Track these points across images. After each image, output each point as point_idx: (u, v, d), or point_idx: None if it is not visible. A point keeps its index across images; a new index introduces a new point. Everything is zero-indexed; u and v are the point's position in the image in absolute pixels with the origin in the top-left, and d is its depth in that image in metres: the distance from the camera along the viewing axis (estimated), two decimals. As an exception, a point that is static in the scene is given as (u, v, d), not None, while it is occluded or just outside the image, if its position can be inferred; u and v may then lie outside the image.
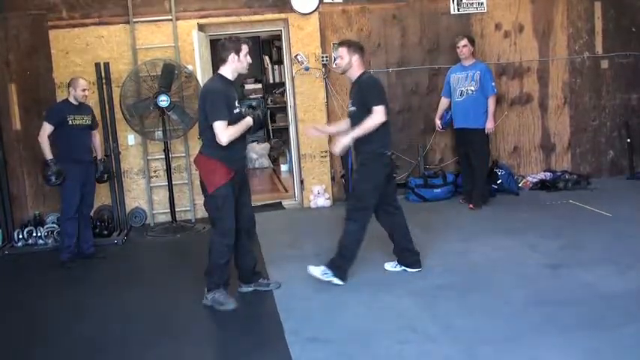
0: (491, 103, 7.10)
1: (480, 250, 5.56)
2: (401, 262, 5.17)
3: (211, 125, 4.42)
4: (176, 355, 4.00)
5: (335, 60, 5.34)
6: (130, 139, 7.50)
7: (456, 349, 3.70)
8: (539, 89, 8.14)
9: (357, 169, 5.10)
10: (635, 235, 5.67)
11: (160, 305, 4.86)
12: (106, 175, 6.53)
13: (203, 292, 4.68)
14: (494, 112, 7.21)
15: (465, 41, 7.17)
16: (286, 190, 9.04)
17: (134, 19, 7.35)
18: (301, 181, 7.95)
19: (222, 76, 4.61)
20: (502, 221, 6.56)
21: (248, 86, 12.11)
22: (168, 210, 7.36)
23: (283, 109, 10.34)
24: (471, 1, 7.88)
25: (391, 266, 5.21)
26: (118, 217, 7.30)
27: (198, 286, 4.72)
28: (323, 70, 7.66)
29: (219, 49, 4.64)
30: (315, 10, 7.59)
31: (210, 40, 7.58)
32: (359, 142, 4.92)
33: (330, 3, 7.65)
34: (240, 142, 4.63)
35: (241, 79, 11.44)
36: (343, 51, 4.94)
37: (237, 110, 4.56)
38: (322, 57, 7.62)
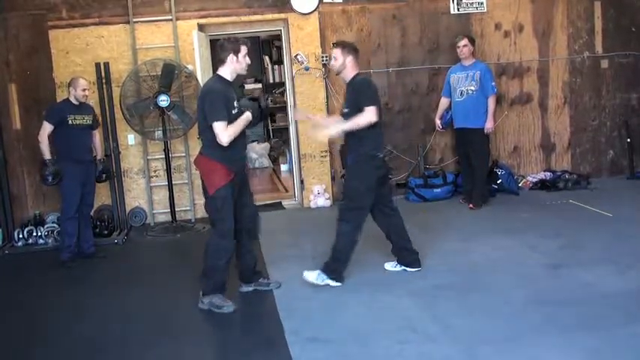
0: (491, 102, 7.10)
1: (480, 250, 5.56)
2: (400, 262, 5.18)
3: (211, 126, 4.42)
4: (176, 355, 4.00)
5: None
6: (130, 138, 7.50)
7: (455, 349, 3.70)
8: (539, 89, 8.14)
9: (348, 169, 5.08)
10: (635, 235, 5.67)
11: (160, 305, 4.86)
12: (104, 175, 6.52)
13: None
14: (494, 112, 7.21)
15: (465, 41, 7.17)
16: (286, 190, 9.04)
17: (134, 19, 7.35)
18: (301, 181, 7.95)
19: (220, 77, 4.61)
20: (502, 221, 6.56)
21: (248, 86, 12.10)
22: (169, 210, 7.36)
23: (283, 108, 10.34)
24: (470, 1, 7.88)
25: (391, 266, 5.21)
26: (118, 216, 7.30)
27: (198, 286, 4.70)
28: (323, 70, 7.66)
29: (217, 50, 4.64)
30: (314, 10, 7.59)
31: (211, 40, 7.58)
32: (351, 143, 4.95)
33: (330, 3, 7.65)
34: (240, 142, 4.63)
35: (241, 79, 11.44)
36: (337, 52, 4.94)
37: (235, 111, 4.55)
38: (322, 57, 7.61)
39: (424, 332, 3.97)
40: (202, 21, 7.50)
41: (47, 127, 5.99)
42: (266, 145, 11.51)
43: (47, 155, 6.01)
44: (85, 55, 7.29)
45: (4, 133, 7.14)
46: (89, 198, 6.29)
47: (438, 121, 7.53)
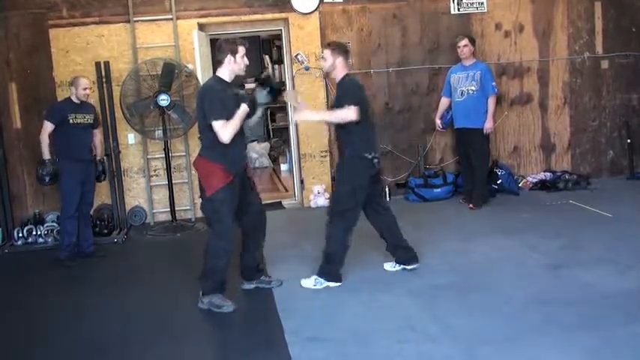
0: (491, 103, 7.10)
1: (480, 250, 5.56)
2: (398, 261, 5.18)
3: (210, 125, 4.42)
4: (176, 355, 4.00)
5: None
6: (130, 138, 7.50)
7: (455, 349, 3.70)
8: (540, 89, 8.14)
9: (337, 171, 5.06)
10: (635, 235, 5.68)
11: (160, 305, 4.85)
12: (103, 176, 6.52)
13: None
14: (494, 112, 7.21)
15: (465, 41, 7.17)
16: (286, 190, 9.04)
17: (134, 19, 7.35)
18: (301, 181, 7.95)
19: (219, 78, 4.62)
20: (502, 221, 6.56)
21: (248, 86, 12.06)
22: (168, 209, 7.36)
23: (283, 108, 10.33)
24: (471, 1, 7.87)
25: (390, 266, 5.21)
26: (118, 215, 7.30)
27: (198, 285, 4.69)
28: (323, 69, 7.65)
29: (216, 51, 4.64)
30: (315, 10, 7.59)
31: (211, 40, 7.58)
32: (340, 144, 4.96)
33: (331, 2, 7.65)
34: (239, 142, 4.62)
35: (241, 78, 11.41)
36: (327, 53, 4.95)
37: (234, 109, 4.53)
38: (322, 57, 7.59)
39: (424, 332, 3.97)
40: (203, 20, 7.50)
41: (48, 127, 5.99)
42: (266, 145, 11.51)
43: (47, 155, 6.01)
44: (85, 54, 7.29)
45: (4, 132, 7.14)
46: (89, 197, 6.29)
47: (438, 121, 7.53)
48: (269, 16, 7.64)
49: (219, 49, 4.58)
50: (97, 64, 7.10)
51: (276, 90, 4.82)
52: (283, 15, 7.63)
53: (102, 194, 7.27)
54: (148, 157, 7.57)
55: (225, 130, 4.39)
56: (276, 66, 11.91)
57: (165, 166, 7.33)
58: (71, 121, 6.01)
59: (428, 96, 7.95)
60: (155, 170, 7.62)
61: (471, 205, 7.14)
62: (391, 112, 7.92)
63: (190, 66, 7.22)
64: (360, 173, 4.86)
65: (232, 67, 4.56)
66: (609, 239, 5.60)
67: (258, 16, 7.61)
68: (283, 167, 10.62)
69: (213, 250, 4.54)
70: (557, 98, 8.18)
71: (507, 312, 4.19)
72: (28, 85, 7.26)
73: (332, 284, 4.87)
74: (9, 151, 7.18)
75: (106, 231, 7.03)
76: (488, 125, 7.09)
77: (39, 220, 7.07)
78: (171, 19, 7.41)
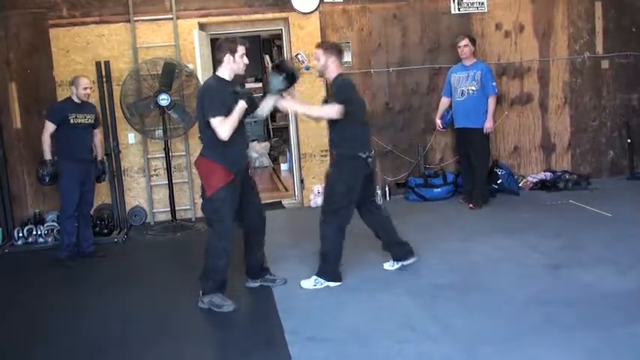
0: (491, 102, 7.10)
1: (480, 250, 5.56)
2: (395, 258, 5.18)
3: (209, 123, 4.42)
4: (176, 355, 4.00)
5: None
6: (130, 137, 7.50)
7: (455, 349, 3.70)
8: (540, 89, 8.14)
9: (330, 170, 5.04)
10: (635, 235, 5.67)
11: (160, 305, 4.85)
12: (103, 176, 6.53)
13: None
14: (494, 112, 7.21)
15: (465, 41, 7.17)
16: (286, 190, 9.04)
17: (135, 18, 7.35)
18: (301, 181, 7.95)
19: (218, 77, 4.62)
20: (502, 221, 6.56)
21: (248, 85, 12.10)
22: (169, 209, 7.36)
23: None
24: (471, 1, 7.87)
25: (389, 265, 5.21)
26: (118, 215, 7.30)
27: (199, 285, 4.70)
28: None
29: (215, 50, 4.65)
30: (315, 10, 7.59)
31: (211, 39, 7.58)
32: (333, 144, 4.96)
33: (331, 2, 7.65)
34: (240, 141, 4.63)
35: (241, 78, 11.43)
36: (319, 53, 4.94)
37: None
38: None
39: (424, 332, 3.97)
40: (203, 20, 7.50)
41: (49, 127, 6.00)
42: (266, 145, 11.52)
43: (48, 155, 6.02)
44: (85, 53, 7.29)
45: (5, 132, 7.14)
46: (89, 197, 6.29)
47: (438, 121, 7.53)
48: (269, 15, 7.64)
49: (218, 48, 4.58)
50: (98, 64, 7.10)
51: (293, 75, 4.77)
52: (283, 15, 7.63)
53: (102, 194, 7.28)
54: (148, 156, 7.57)
55: (223, 127, 4.38)
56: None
57: (165, 166, 7.33)
58: (72, 120, 6.01)
59: (428, 96, 7.95)
60: (155, 170, 7.62)
61: (471, 205, 7.14)
62: (391, 111, 7.92)
63: (191, 66, 7.22)
64: (354, 172, 4.86)
65: (232, 66, 4.56)
66: (609, 239, 5.60)
67: (258, 16, 7.61)
68: (283, 167, 10.63)
69: (213, 250, 4.54)
70: (558, 98, 8.18)
71: (507, 312, 4.18)
72: (29, 85, 7.26)
73: (332, 284, 4.88)
74: (9, 151, 7.17)
75: (106, 231, 7.03)
76: (488, 125, 7.09)
77: (39, 220, 7.07)
78: (172, 18, 7.41)
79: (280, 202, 8.20)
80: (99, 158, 6.43)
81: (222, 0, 7.51)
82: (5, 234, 7.03)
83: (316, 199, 7.76)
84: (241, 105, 4.47)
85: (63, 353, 4.14)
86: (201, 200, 4.71)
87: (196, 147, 7.40)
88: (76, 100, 6.11)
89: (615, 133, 8.32)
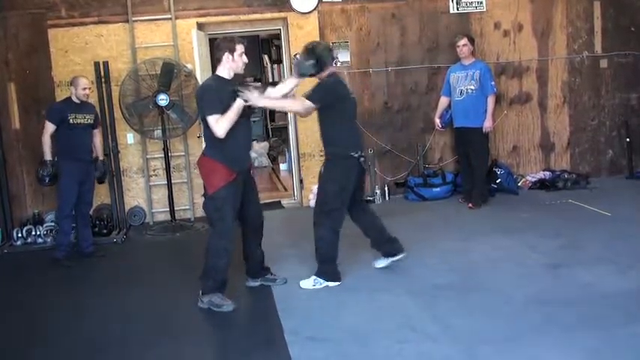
0: (490, 102, 7.10)
1: (480, 250, 5.56)
2: (385, 255, 5.17)
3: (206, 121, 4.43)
4: (176, 355, 4.00)
5: None
6: (129, 137, 7.49)
7: (455, 349, 3.70)
8: (539, 88, 8.14)
9: (322, 171, 5.03)
10: (634, 234, 5.67)
11: (160, 305, 4.85)
12: (105, 176, 6.53)
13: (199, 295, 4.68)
14: (493, 112, 7.21)
15: (464, 40, 7.17)
16: (285, 190, 9.03)
17: (133, 18, 7.34)
18: (300, 181, 7.95)
19: (217, 76, 4.63)
20: (501, 221, 6.56)
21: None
22: (168, 209, 7.36)
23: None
24: (470, 0, 7.87)
25: (380, 263, 5.20)
26: (117, 215, 7.30)
27: (198, 285, 4.70)
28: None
29: (214, 50, 4.65)
30: (314, 9, 7.59)
31: (210, 39, 7.58)
32: (324, 144, 4.97)
33: (330, 2, 7.64)
34: (243, 141, 4.63)
35: (240, 77, 11.41)
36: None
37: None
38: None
39: (424, 332, 3.97)
40: (201, 20, 7.50)
41: (50, 128, 6.00)
42: (265, 144, 11.50)
43: (48, 156, 6.02)
44: (84, 54, 7.28)
45: (3, 133, 7.12)
46: (88, 197, 6.29)
47: (437, 120, 7.53)
48: (268, 15, 7.64)
49: (217, 47, 4.59)
50: (96, 64, 7.10)
51: (323, 63, 4.79)
52: (282, 14, 7.62)
53: (101, 194, 7.27)
54: (147, 156, 7.56)
55: (219, 125, 4.38)
56: (275, 65, 11.92)
57: (164, 166, 7.33)
58: (71, 121, 6.01)
59: (427, 95, 7.95)
60: (154, 170, 7.62)
61: (470, 205, 7.14)
62: (390, 111, 7.92)
63: (189, 66, 7.22)
64: (347, 172, 4.85)
65: (231, 64, 4.56)
66: (609, 239, 5.60)
67: (257, 16, 7.60)
68: (282, 167, 10.62)
69: (214, 250, 4.54)
70: (557, 97, 8.18)
71: (507, 312, 4.18)
72: (27, 86, 7.25)
73: (331, 284, 4.88)
74: (8, 152, 7.16)
75: (105, 231, 7.02)
76: (488, 124, 7.09)
77: (38, 220, 7.06)
78: (170, 18, 7.40)
79: (279, 202, 8.19)
80: (100, 158, 6.42)
81: (221, 0, 7.51)
82: (4, 234, 7.02)
83: (315, 199, 7.76)
84: (238, 103, 4.45)
85: (63, 353, 4.14)
86: (202, 199, 4.70)
87: (195, 147, 7.43)
88: (75, 100, 6.11)
89: (614, 132, 8.33)
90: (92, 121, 6.22)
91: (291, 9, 7.55)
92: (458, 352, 3.65)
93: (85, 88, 6.11)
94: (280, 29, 7.85)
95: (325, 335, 4.03)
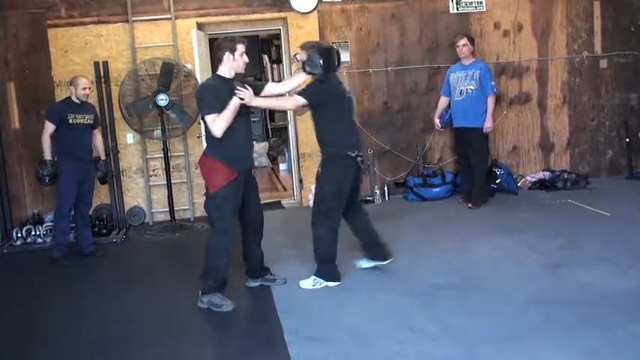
0: (490, 102, 7.10)
1: (480, 250, 5.56)
2: (373, 258, 5.17)
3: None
4: (176, 355, 4.00)
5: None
6: (128, 137, 7.49)
7: (455, 349, 3.70)
8: (538, 88, 8.14)
9: (319, 171, 5.01)
10: (634, 234, 5.67)
11: (160, 305, 4.85)
12: (107, 176, 6.54)
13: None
14: (493, 112, 7.21)
15: (464, 40, 7.17)
16: (285, 190, 9.04)
17: (133, 18, 7.34)
18: (300, 180, 7.95)
19: (217, 75, 4.64)
20: (501, 221, 6.56)
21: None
22: (167, 209, 7.36)
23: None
24: (470, 0, 7.87)
25: (363, 263, 5.20)
26: (117, 215, 7.30)
27: (198, 285, 4.70)
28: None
29: (215, 50, 4.65)
30: (314, 9, 7.59)
31: (210, 39, 7.57)
32: (319, 144, 4.96)
33: (330, 2, 7.64)
34: (244, 139, 4.63)
35: (241, 77, 11.42)
36: (302, 54, 4.91)
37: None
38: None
39: (423, 332, 3.96)
40: (201, 20, 7.50)
41: (49, 127, 5.99)
42: (265, 145, 11.51)
43: (48, 156, 6.02)
44: (83, 54, 7.28)
45: (3, 132, 7.12)
46: (88, 197, 6.29)
47: (437, 120, 7.53)
48: (268, 15, 7.64)
49: (218, 47, 4.58)
50: (96, 64, 7.10)
51: (333, 66, 4.80)
52: (282, 14, 7.62)
53: (101, 194, 7.27)
54: (147, 156, 7.56)
55: (215, 124, 4.38)
56: (275, 65, 11.92)
57: (164, 166, 7.32)
58: (71, 121, 6.01)
59: (427, 95, 7.95)
60: (154, 170, 7.62)
61: (470, 205, 7.14)
62: (390, 111, 7.92)
63: (189, 66, 7.22)
64: (344, 172, 4.85)
65: (231, 64, 4.56)
66: (608, 239, 5.60)
67: (256, 16, 7.60)
68: (282, 167, 10.63)
69: (214, 250, 4.54)
70: (556, 98, 8.18)
71: (507, 312, 4.18)
72: (27, 85, 7.24)
73: (331, 284, 4.87)
74: (7, 151, 7.16)
75: (104, 231, 7.03)
76: (488, 124, 7.09)
77: (38, 220, 7.06)
78: (170, 18, 7.40)
79: (279, 202, 8.20)
80: (102, 158, 6.43)
81: (221, 0, 7.50)
82: (4, 234, 7.02)
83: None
84: (235, 102, 4.44)
85: (63, 353, 4.14)
86: (204, 198, 4.69)
87: (195, 147, 7.43)
88: (75, 100, 6.11)
89: (614, 132, 8.33)
90: (92, 121, 6.22)
91: (290, 9, 7.55)
92: (458, 352, 3.65)
93: (84, 88, 6.10)
94: (280, 29, 7.85)
95: (325, 335, 4.03)
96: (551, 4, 8.03)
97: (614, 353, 3.53)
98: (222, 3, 7.51)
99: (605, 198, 7.13)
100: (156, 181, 7.61)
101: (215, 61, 4.72)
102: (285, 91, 4.97)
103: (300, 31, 7.59)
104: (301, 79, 4.91)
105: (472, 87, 7.09)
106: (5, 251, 6.71)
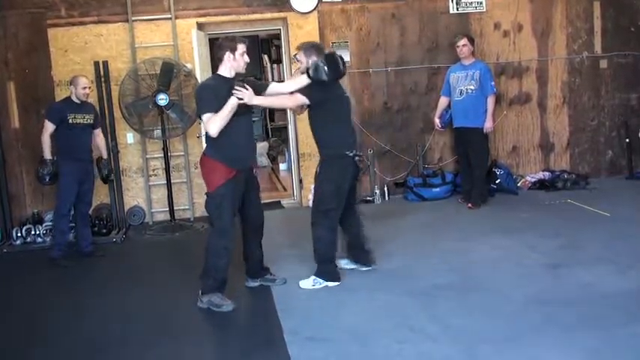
0: (490, 102, 7.10)
1: (479, 250, 5.56)
2: (355, 261, 5.18)
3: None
4: (176, 355, 4.00)
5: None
6: (128, 137, 7.49)
7: (455, 349, 3.70)
8: (538, 89, 8.14)
9: (318, 171, 5.02)
10: (634, 234, 5.67)
11: (160, 305, 4.85)
12: (111, 176, 6.57)
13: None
14: (493, 112, 7.21)
15: (464, 40, 7.17)
16: (285, 189, 9.03)
17: (133, 18, 7.33)
18: (300, 180, 7.95)
19: (217, 75, 4.64)
20: (501, 221, 6.56)
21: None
22: (167, 209, 7.35)
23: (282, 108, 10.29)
24: (470, 1, 7.87)
25: (344, 263, 5.20)
26: (117, 215, 7.30)
27: (198, 285, 4.69)
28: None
29: (215, 49, 4.65)
30: (314, 9, 7.59)
31: (210, 39, 7.58)
32: (317, 144, 4.97)
33: (330, 2, 7.64)
34: (244, 139, 4.62)
35: (241, 77, 11.40)
36: (300, 55, 4.95)
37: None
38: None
39: (423, 332, 3.96)
40: (201, 20, 7.50)
41: (49, 127, 5.99)
42: (265, 144, 11.49)
43: (48, 155, 6.02)
44: (83, 53, 7.28)
45: (3, 132, 7.12)
46: (88, 196, 6.29)
47: (436, 120, 7.53)
48: (268, 15, 7.63)
49: (219, 46, 4.58)
50: (96, 64, 7.10)
51: (339, 75, 4.80)
52: (282, 14, 7.62)
53: (101, 194, 7.27)
54: (147, 156, 7.56)
55: (211, 124, 4.38)
56: (275, 65, 11.92)
57: (164, 166, 7.32)
58: (70, 120, 6.01)
59: (427, 95, 7.95)
60: (154, 170, 7.61)
61: (469, 205, 7.14)
62: (390, 111, 7.92)
63: (189, 65, 7.21)
64: (342, 172, 4.85)
65: (232, 64, 4.55)
66: (608, 239, 5.60)
67: (257, 16, 7.60)
68: (282, 167, 10.63)
69: (214, 249, 4.54)
70: (556, 98, 8.18)
71: (507, 312, 4.18)
72: (27, 85, 7.24)
73: (331, 284, 4.87)
74: (7, 151, 7.16)
75: (104, 231, 7.03)
76: (488, 125, 7.09)
77: (38, 220, 7.06)
78: (170, 18, 7.40)
79: (279, 201, 8.19)
80: (104, 157, 6.44)
81: (221, 0, 7.50)
82: (4, 234, 7.02)
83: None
84: (232, 101, 4.43)
85: (63, 353, 4.13)
86: (205, 197, 4.69)
87: (194, 147, 7.44)
88: (75, 100, 6.11)
89: (614, 132, 8.33)
90: (92, 121, 6.22)
91: (290, 9, 7.55)
92: (458, 352, 3.65)
93: (85, 88, 6.10)
94: (280, 29, 7.85)
95: (325, 335, 4.03)
96: (551, 4, 8.03)
97: (614, 353, 3.53)
98: (222, 3, 7.51)
99: (605, 198, 7.13)
100: (156, 181, 7.60)
101: (216, 61, 4.71)
102: (288, 91, 4.97)
103: (300, 31, 7.59)
104: (304, 81, 4.91)
105: (472, 87, 7.09)
106: (5, 251, 6.71)
